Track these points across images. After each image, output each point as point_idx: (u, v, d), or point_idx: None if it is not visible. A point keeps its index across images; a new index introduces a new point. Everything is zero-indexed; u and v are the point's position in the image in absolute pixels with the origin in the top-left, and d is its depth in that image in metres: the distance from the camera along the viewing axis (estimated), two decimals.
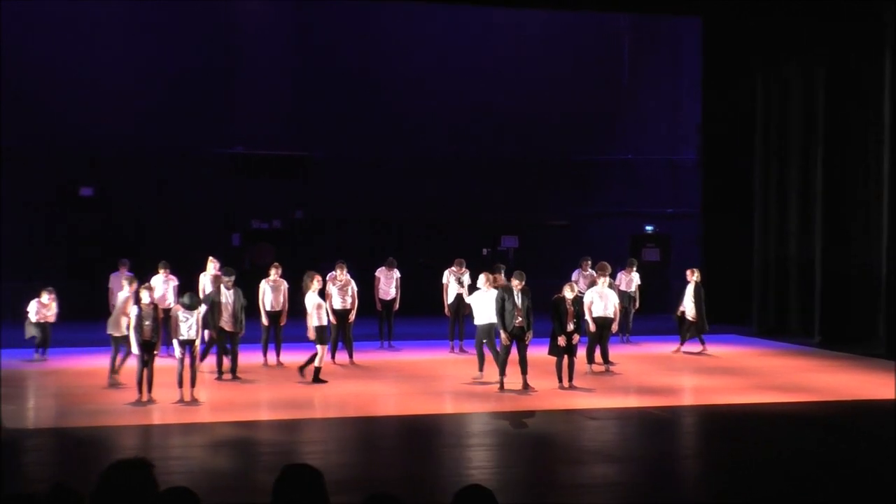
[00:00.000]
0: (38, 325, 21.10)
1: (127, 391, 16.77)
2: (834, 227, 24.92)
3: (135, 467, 4.97)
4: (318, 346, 18.42)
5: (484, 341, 18.79)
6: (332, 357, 20.85)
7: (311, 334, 18.35)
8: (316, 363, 18.50)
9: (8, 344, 21.74)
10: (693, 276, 22.64)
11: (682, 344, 22.87)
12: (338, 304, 20.71)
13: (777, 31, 26.51)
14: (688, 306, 22.59)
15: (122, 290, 18.20)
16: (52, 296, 21.20)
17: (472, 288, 22.80)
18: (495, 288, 18.67)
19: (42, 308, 21.08)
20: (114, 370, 18.09)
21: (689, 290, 22.58)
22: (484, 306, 18.57)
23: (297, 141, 31.44)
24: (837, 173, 24.88)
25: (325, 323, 18.40)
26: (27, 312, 21.15)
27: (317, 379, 18.34)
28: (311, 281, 18.54)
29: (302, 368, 18.69)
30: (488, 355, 18.82)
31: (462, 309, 22.49)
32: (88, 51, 29.49)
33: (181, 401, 16.39)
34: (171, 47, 30.17)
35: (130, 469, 4.96)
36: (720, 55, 27.95)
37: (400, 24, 31.55)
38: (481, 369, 18.71)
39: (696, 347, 22.81)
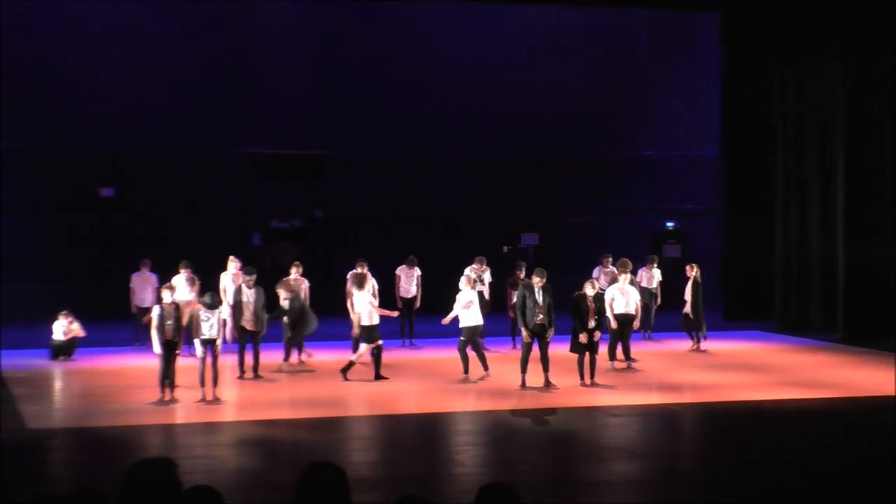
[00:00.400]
0: (66, 340, 21.09)
1: (149, 391, 16.80)
2: (855, 222, 24.78)
3: (158, 466, 4.99)
4: (364, 345, 18.45)
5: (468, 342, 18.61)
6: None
7: (356, 331, 18.60)
8: (353, 358, 18.58)
9: (29, 345, 21.87)
10: (692, 272, 22.49)
11: (696, 341, 22.71)
12: None
13: (797, 26, 26.37)
14: (688, 302, 22.45)
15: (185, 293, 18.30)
16: (70, 318, 21.15)
17: (493, 286, 22.87)
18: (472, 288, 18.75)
19: (65, 328, 21.03)
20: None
21: (688, 287, 22.46)
22: (468, 308, 18.51)
23: (317, 140, 31.48)
24: (859, 168, 24.75)
25: (375, 322, 18.40)
26: (52, 332, 21.10)
27: (345, 372, 18.35)
28: (366, 281, 18.72)
29: (377, 368, 18.64)
30: (472, 356, 18.65)
31: (483, 307, 22.44)
32: (108, 52, 29.56)
33: (203, 400, 16.43)
34: (191, 49, 30.22)
35: (154, 468, 4.98)
36: (740, 50, 27.79)
37: (418, 24, 31.53)
38: (467, 371, 18.50)
39: (690, 344, 22.61)
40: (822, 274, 25.89)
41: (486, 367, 18.49)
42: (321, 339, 22.21)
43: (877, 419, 15.66)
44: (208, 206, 29.92)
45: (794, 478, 12.19)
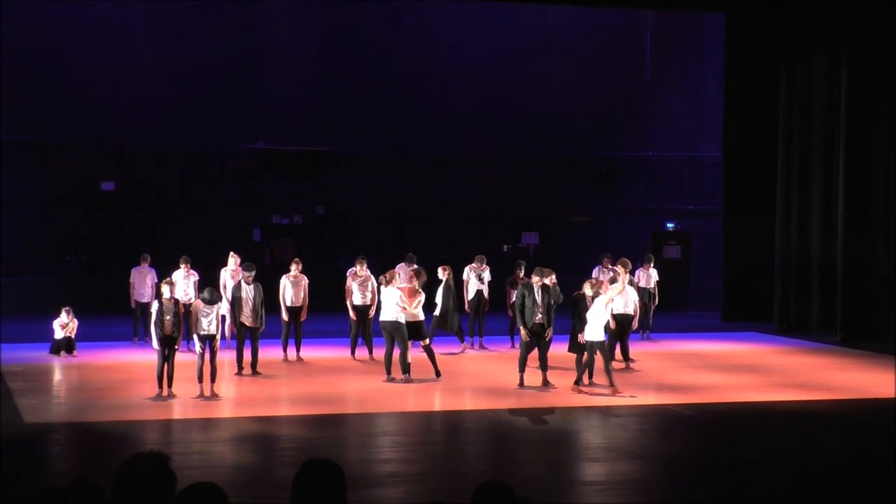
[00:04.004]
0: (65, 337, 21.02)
1: (147, 386, 16.79)
2: (855, 225, 24.79)
3: (151, 460, 4.97)
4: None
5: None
6: (352, 353, 20.85)
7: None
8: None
9: (33, 338, 21.86)
10: (446, 274, 21.57)
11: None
12: (358, 300, 20.71)
13: (801, 28, 26.39)
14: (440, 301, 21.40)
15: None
16: (71, 314, 21.08)
17: (492, 284, 22.85)
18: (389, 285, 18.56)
19: (63, 328, 20.95)
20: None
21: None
22: (387, 302, 18.37)
23: (319, 137, 31.47)
24: (860, 170, 24.76)
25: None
26: (52, 332, 21.03)
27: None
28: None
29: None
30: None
31: (482, 305, 22.48)
32: (110, 46, 29.54)
33: (201, 396, 16.43)
34: (194, 43, 30.18)
35: (147, 462, 4.96)
36: (743, 51, 27.80)
37: (423, 21, 31.54)
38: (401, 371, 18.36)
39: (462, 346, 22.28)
40: (822, 276, 25.89)
41: (387, 371, 18.33)
42: (320, 337, 22.25)
43: (876, 421, 15.66)
44: (209, 202, 29.92)
45: (791, 479, 12.19)
